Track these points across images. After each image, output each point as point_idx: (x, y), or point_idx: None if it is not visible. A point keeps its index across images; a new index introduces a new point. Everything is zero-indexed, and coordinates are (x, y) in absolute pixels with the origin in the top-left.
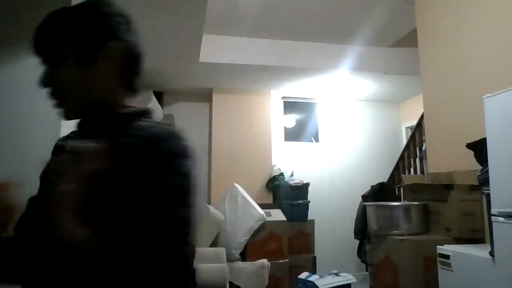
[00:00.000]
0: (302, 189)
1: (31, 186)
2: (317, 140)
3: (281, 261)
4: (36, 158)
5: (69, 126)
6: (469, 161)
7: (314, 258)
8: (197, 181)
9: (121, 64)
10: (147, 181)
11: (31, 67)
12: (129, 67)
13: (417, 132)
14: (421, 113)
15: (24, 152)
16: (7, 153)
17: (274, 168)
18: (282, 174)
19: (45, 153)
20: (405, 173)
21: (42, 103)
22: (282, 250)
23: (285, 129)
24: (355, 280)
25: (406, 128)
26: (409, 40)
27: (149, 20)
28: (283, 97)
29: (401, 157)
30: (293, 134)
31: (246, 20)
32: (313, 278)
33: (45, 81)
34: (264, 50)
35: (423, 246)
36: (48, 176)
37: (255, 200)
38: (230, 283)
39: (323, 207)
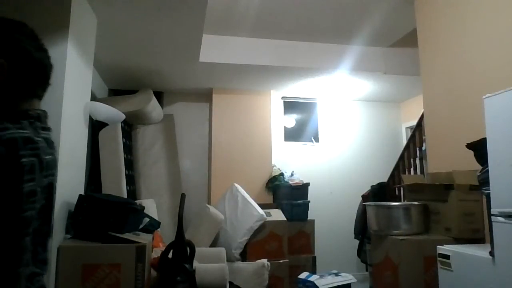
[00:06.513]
0: (302, 189)
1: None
2: (317, 140)
3: (281, 261)
4: None
5: (68, 128)
6: (469, 161)
7: (314, 258)
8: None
9: (10, 75)
10: None
11: None
12: (21, 76)
13: (417, 132)
14: (421, 113)
15: None
16: None
17: (274, 168)
18: (282, 174)
19: None
20: (405, 173)
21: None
22: (282, 250)
23: (285, 129)
24: (355, 280)
25: (406, 128)
26: (409, 40)
27: (149, 20)
28: (283, 97)
29: (401, 157)
30: (293, 134)
31: (246, 20)
32: (313, 278)
33: None
34: (264, 50)
35: (423, 246)
36: None
37: (255, 200)
38: (230, 283)
39: (323, 207)
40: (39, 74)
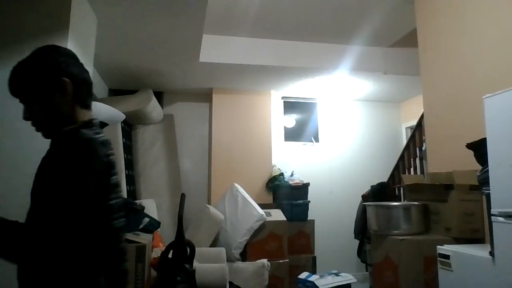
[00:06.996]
0: (302, 189)
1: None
2: (317, 140)
3: (281, 261)
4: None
5: None
6: (469, 161)
7: (314, 258)
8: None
9: (73, 91)
10: None
11: None
12: (80, 91)
13: (417, 132)
14: (421, 113)
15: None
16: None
17: (274, 168)
18: (282, 174)
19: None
20: (405, 173)
21: None
22: (282, 250)
23: (285, 129)
24: (355, 280)
25: (406, 128)
26: (409, 40)
27: (150, 20)
28: (283, 97)
29: (401, 157)
30: (293, 134)
31: (246, 20)
32: (313, 278)
33: (24, 116)
34: (264, 50)
35: (423, 246)
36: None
37: (255, 200)
38: (230, 283)
39: (323, 207)
40: (87, 89)
